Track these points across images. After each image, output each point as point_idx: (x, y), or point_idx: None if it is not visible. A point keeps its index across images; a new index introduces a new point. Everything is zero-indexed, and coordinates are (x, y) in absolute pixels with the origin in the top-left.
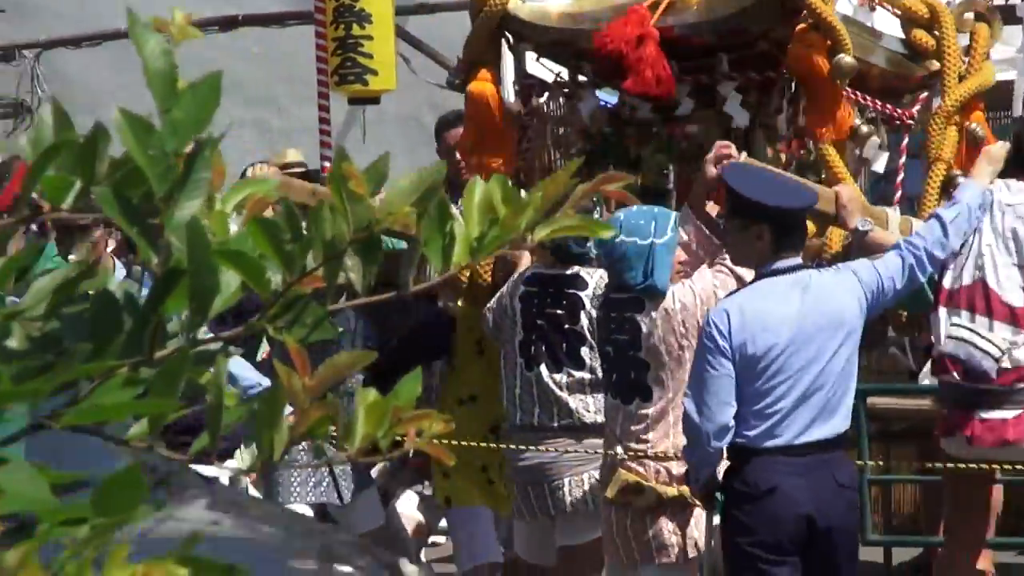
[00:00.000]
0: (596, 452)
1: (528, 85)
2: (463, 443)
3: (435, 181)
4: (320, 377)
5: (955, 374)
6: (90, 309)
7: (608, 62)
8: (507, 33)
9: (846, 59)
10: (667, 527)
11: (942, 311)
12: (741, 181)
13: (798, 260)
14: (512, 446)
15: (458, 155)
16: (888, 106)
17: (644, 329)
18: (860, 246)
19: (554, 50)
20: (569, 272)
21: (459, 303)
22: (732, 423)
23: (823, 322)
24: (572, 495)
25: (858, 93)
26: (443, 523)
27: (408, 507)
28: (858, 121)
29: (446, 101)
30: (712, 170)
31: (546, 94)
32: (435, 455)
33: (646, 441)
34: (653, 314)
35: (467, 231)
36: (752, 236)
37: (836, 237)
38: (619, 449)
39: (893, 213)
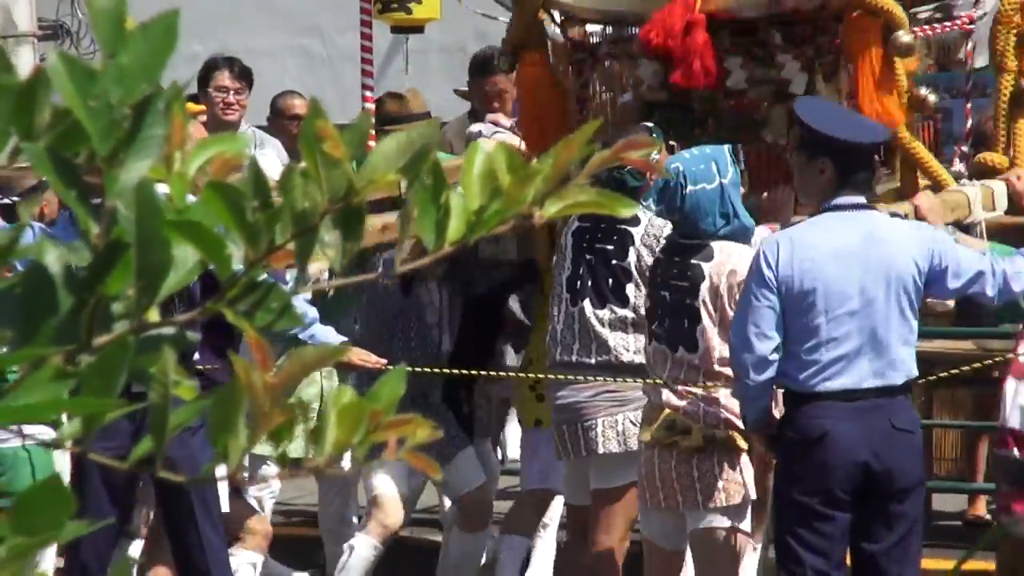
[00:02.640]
0: (631, 393)
1: (580, 60)
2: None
3: (427, 143)
4: (285, 374)
5: (1015, 451)
6: (20, 285)
7: (654, 55)
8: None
9: (903, 36)
10: (713, 471)
11: (1011, 382)
12: (809, 112)
13: (862, 199)
14: (552, 383)
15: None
16: (943, 25)
17: (706, 277)
18: None
19: (604, 23)
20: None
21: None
22: (773, 357)
23: (881, 267)
24: (604, 436)
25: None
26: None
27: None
28: (924, 90)
29: (492, 31)
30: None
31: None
32: (419, 467)
33: (694, 386)
34: (719, 264)
35: (466, 203)
36: (816, 170)
37: None
38: (665, 392)
39: (971, 189)
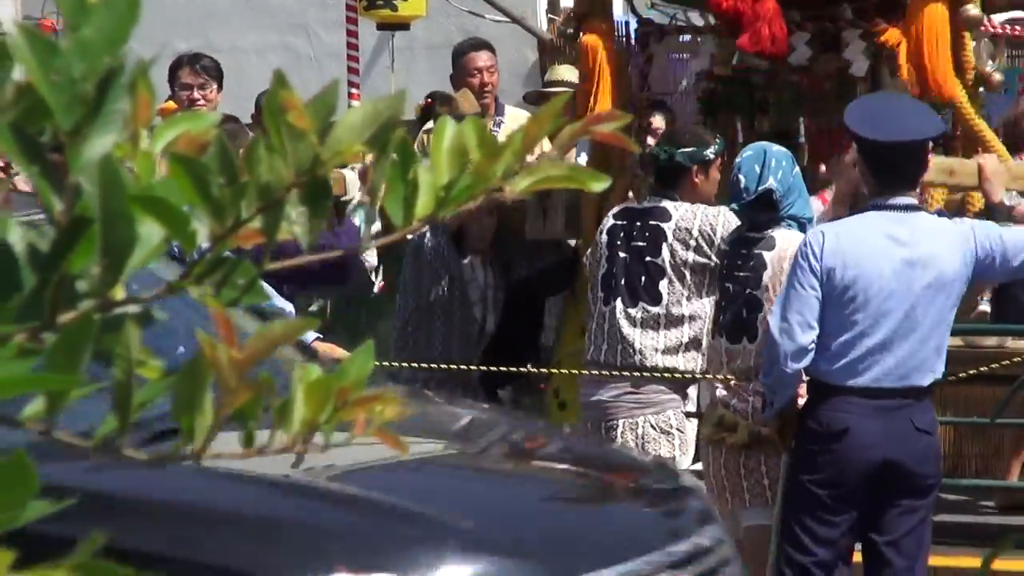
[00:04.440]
0: (655, 396)
1: (646, 33)
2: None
3: (393, 114)
4: (251, 349)
5: None
6: None
7: (724, 18)
8: None
9: (972, 10)
10: (759, 468)
11: None
12: (856, 116)
13: (909, 199)
14: (582, 380)
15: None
16: (1017, 27)
17: (768, 266)
18: (1006, 221)
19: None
20: (656, 205)
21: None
22: (812, 347)
23: (922, 267)
24: (623, 438)
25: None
26: None
27: None
28: (989, 66)
29: (478, 29)
30: (852, 172)
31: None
32: (388, 442)
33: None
34: (780, 251)
35: (434, 178)
36: (859, 168)
37: (978, 196)
38: (719, 388)
39: None
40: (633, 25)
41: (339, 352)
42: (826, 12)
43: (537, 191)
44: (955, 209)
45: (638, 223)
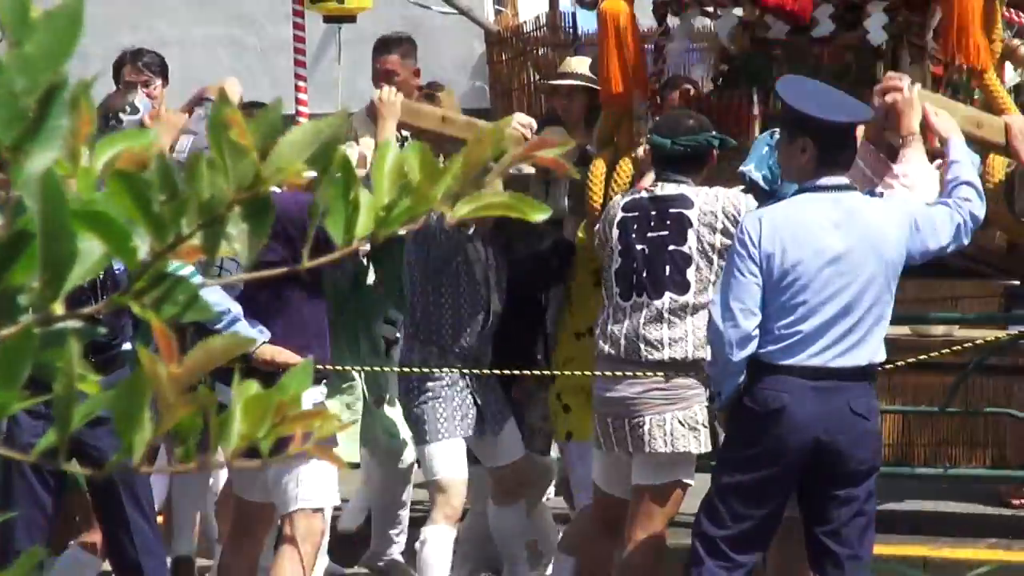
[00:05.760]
0: (684, 391)
1: (664, 4)
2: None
3: (335, 133)
4: (190, 364)
5: None
6: None
7: None
8: None
9: None
10: None
11: None
12: (791, 91)
13: (844, 180)
14: (599, 377)
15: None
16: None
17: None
18: None
19: None
20: (673, 192)
21: (578, 234)
22: (755, 333)
23: (860, 248)
24: (651, 435)
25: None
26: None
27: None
28: (1016, 40)
29: (425, 20)
30: (879, 101)
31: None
32: (326, 459)
33: None
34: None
35: (375, 199)
36: (797, 149)
37: (998, 166)
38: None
39: None
40: None
41: (283, 356)
42: None
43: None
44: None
45: (654, 212)
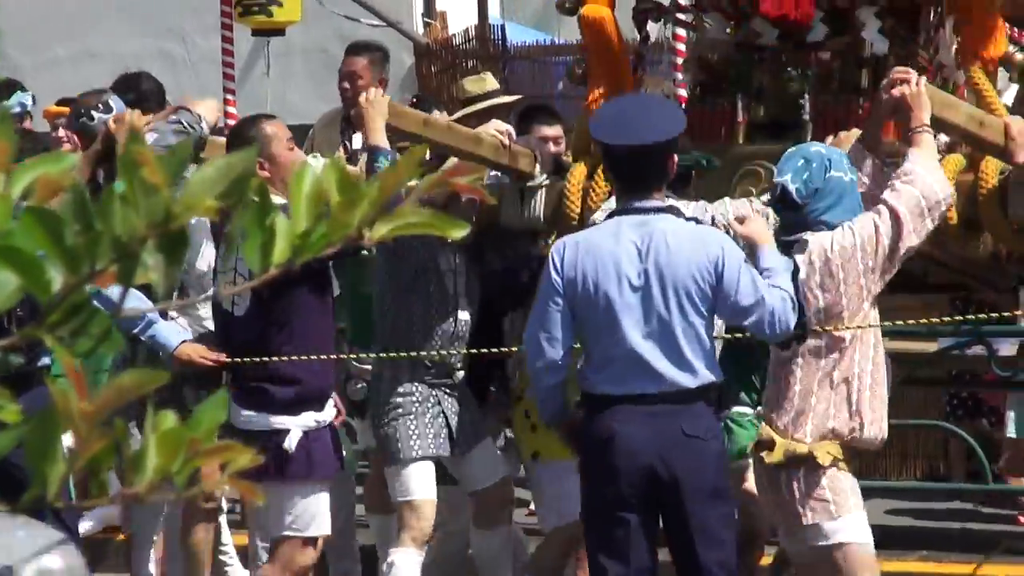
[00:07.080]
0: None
1: (644, 10)
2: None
3: (246, 169)
4: (102, 400)
5: None
6: None
7: None
8: None
9: None
10: (794, 489)
11: None
12: (596, 120)
13: (654, 202)
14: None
15: (349, 86)
16: None
17: (799, 268)
18: None
19: None
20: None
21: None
22: (564, 360)
23: (661, 274)
24: None
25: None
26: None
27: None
28: (1012, 48)
29: (354, 33)
30: (888, 96)
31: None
32: (242, 493)
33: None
34: (812, 257)
35: (292, 226)
36: (609, 175)
37: (991, 170)
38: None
39: None
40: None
41: (201, 355)
42: None
43: (517, 174)
44: (968, 187)
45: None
